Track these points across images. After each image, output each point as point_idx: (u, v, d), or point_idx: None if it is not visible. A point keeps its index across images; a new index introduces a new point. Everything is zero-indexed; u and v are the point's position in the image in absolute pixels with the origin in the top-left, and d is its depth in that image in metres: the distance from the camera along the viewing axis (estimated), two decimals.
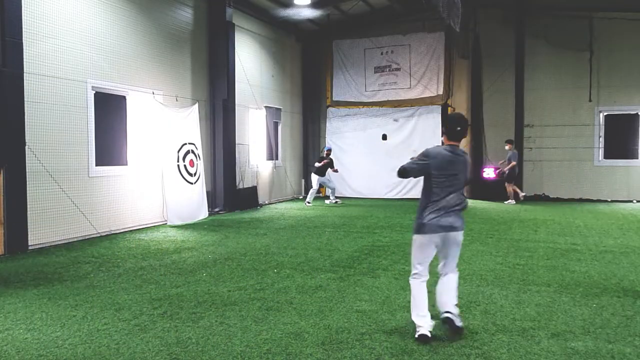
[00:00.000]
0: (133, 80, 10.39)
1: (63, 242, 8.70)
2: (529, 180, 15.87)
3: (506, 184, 15.03)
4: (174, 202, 10.63)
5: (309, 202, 14.81)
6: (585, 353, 3.95)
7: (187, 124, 11.28)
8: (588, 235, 9.35)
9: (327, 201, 15.47)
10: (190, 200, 11.10)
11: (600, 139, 15.37)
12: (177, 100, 11.45)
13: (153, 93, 10.63)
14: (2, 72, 7.67)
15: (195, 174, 11.28)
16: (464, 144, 17.02)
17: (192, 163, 11.18)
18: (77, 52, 9.10)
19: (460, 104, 16.54)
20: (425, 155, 4.29)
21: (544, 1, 15.70)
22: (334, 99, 17.49)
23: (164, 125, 10.57)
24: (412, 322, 4.30)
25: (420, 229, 4.29)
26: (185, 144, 11.09)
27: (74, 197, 8.96)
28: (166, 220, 10.80)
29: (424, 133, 16.12)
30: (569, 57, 15.37)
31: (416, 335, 4.19)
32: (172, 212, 10.61)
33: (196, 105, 11.79)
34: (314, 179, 15.11)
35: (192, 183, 11.14)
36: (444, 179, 4.25)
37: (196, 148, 11.43)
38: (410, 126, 16.40)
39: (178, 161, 10.82)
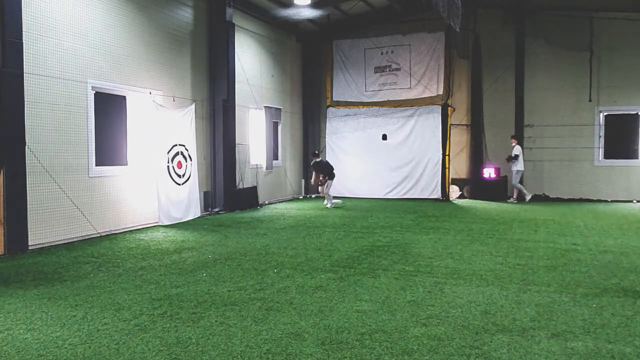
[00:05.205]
0: (133, 81, 10.39)
1: (63, 242, 8.70)
2: (529, 180, 15.88)
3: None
4: (163, 203, 10.70)
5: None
6: (585, 353, 3.95)
7: (181, 125, 11.28)
8: (588, 235, 9.34)
9: (327, 203, 14.92)
10: (178, 201, 11.16)
11: (600, 139, 15.37)
12: (174, 100, 11.44)
13: (150, 93, 10.63)
14: (2, 72, 7.66)
15: (183, 175, 11.32)
16: (464, 144, 17.11)
17: (179, 165, 11.20)
18: (77, 52, 9.10)
19: (460, 104, 16.56)
20: None
21: (544, 1, 15.68)
22: (334, 99, 17.48)
23: (157, 125, 10.60)
24: None
25: None
26: (176, 145, 11.10)
27: (74, 197, 8.96)
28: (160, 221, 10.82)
29: (424, 133, 16.13)
30: (569, 57, 15.37)
31: None
32: (162, 212, 10.67)
33: (192, 106, 11.78)
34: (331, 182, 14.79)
35: (179, 184, 11.19)
36: None
37: (186, 150, 11.43)
38: (410, 126, 16.39)
39: (168, 162, 10.88)
